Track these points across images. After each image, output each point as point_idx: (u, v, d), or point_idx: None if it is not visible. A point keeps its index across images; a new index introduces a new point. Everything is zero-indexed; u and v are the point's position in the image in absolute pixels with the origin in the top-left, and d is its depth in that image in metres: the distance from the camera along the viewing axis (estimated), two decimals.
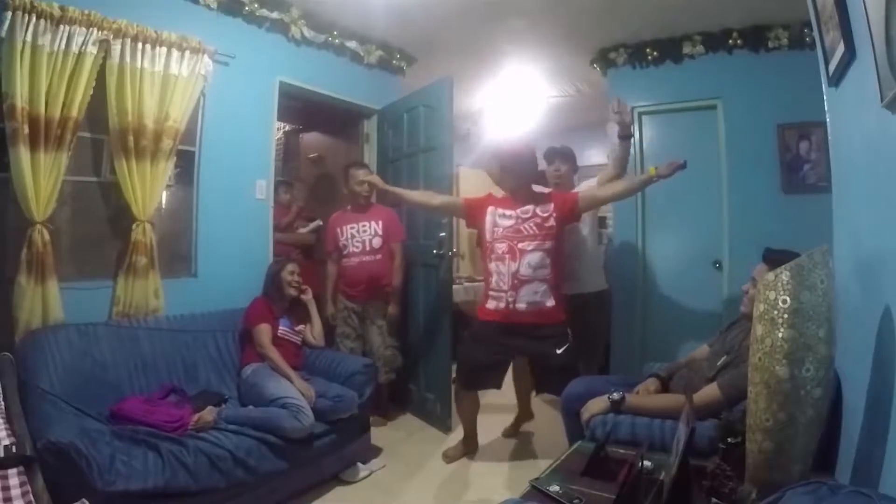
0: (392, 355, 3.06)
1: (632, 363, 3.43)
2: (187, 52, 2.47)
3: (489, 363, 2.46)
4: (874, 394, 1.23)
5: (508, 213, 2.46)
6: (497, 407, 3.44)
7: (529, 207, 2.44)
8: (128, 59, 2.28)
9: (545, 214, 2.41)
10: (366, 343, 3.05)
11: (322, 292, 3.11)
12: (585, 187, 2.72)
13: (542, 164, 2.84)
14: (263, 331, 2.44)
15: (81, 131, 2.21)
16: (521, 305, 2.35)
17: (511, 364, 2.64)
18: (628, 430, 1.76)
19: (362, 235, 3.04)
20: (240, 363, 2.50)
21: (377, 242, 3.04)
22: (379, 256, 3.03)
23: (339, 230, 3.09)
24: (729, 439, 1.38)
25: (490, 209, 2.50)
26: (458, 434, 2.84)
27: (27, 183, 1.99)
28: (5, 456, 1.25)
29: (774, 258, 1.55)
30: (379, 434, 2.84)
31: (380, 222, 3.06)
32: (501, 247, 2.42)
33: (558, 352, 2.34)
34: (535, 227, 2.40)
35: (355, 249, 3.04)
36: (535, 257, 2.35)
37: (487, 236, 2.48)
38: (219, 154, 2.72)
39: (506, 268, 2.38)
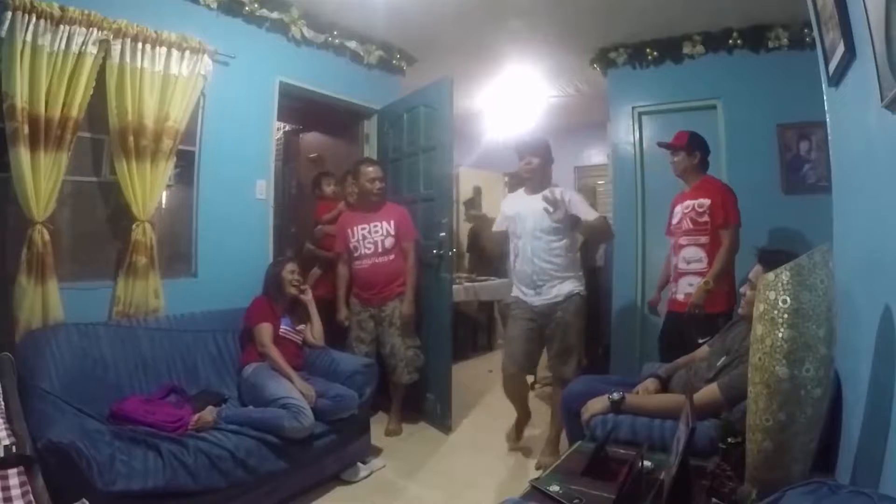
0: (414, 355, 2.97)
1: (632, 363, 3.43)
2: (187, 52, 2.47)
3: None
4: (874, 394, 1.23)
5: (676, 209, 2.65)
6: (494, 407, 3.44)
7: (690, 202, 2.56)
8: (128, 59, 2.28)
9: (701, 209, 2.51)
10: (383, 345, 2.95)
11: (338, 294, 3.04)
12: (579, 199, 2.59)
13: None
14: (265, 329, 2.44)
15: (81, 131, 2.21)
16: (680, 296, 2.57)
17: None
18: (628, 430, 1.76)
19: (374, 236, 2.96)
20: (240, 363, 2.49)
21: (390, 243, 2.95)
22: (392, 257, 2.95)
23: (349, 231, 3.00)
24: (729, 439, 1.38)
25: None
26: (459, 434, 2.88)
27: (27, 183, 1.99)
28: (5, 456, 1.25)
29: (769, 258, 1.55)
30: (379, 434, 2.84)
31: (392, 221, 2.97)
32: (671, 241, 2.70)
33: (700, 341, 2.28)
34: (690, 222, 2.55)
35: (367, 251, 2.95)
36: (689, 251, 2.55)
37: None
38: (219, 154, 2.72)
39: (674, 261, 2.65)
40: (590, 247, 3.82)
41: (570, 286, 2.52)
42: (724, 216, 2.46)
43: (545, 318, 2.53)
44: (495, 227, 2.79)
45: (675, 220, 2.66)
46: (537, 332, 2.56)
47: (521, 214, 2.59)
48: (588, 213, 2.49)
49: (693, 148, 2.60)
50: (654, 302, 2.90)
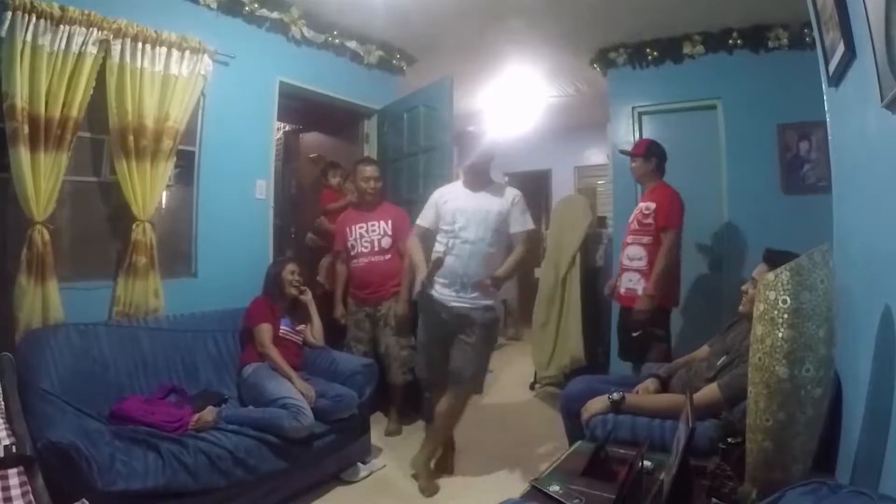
0: (408, 355, 2.96)
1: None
2: (187, 52, 2.47)
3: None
4: (874, 394, 1.23)
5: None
6: (494, 408, 3.45)
7: (641, 204, 2.73)
8: (128, 59, 2.28)
9: (647, 212, 2.67)
10: (379, 345, 2.96)
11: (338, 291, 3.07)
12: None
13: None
14: (265, 330, 2.44)
15: (81, 131, 2.21)
16: (622, 290, 2.75)
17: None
18: (628, 430, 1.76)
19: (371, 235, 2.96)
20: (240, 363, 2.49)
21: (386, 242, 2.96)
22: (388, 256, 2.95)
23: (347, 230, 3.02)
24: (729, 439, 1.38)
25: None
26: (458, 433, 2.81)
27: (27, 183, 1.99)
28: (5, 456, 1.25)
29: (774, 258, 1.55)
30: (379, 434, 2.84)
31: (389, 221, 2.98)
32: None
33: (633, 335, 2.60)
34: (637, 223, 2.72)
35: (364, 249, 2.96)
36: (632, 250, 2.71)
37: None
38: (219, 154, 2.72)
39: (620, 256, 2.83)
40: (589, 247, 3.82)
41: (490, 298, 2.32)
42: (666, 218, 2.60)
43: (459, 320, 2.29)
44: (422, 221, 2.44)
45: (629, 220, 2.85)
46: (451, 336, 2.33)
47: (462, 209, 2.33)
48: (520, 224, 2.32)
49: (650, 154, 2.77)
50: (611, 288, 2.97)
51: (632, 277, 2.69)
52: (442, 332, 2.35)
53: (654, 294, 2.54)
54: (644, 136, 3.60)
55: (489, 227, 2.30)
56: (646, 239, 2.66)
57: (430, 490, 2.30)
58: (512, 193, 2.37)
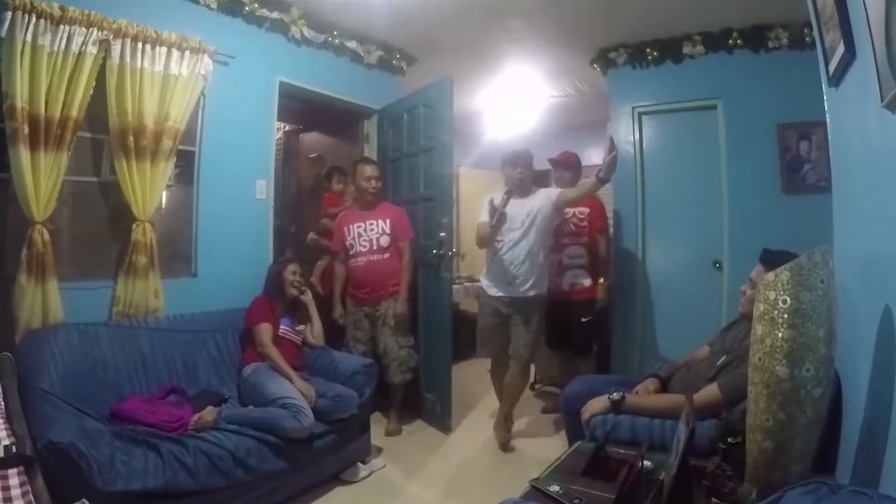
0: (407, 355, 2.98)
1: (632, 363, 3.43)
2: (187, 52, 2.47)
3: None
4: (874, 394, 1.23)
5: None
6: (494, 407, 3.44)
7: (571, 210, 3.07)
8: (128, 59, 2.28)
9: (581, 216, 3.15)
10: (378, 345, 2.97)
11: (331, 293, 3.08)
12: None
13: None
14: (265, 329, 2.44)
15: (81, 131, 2.21)
16: (565, 287, 3.11)
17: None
18: (628, 430, 1.76)
19: (369, 234, 2.97)
20: (240, 363, 2.49)
21: (385, 241, 2.96)
22: (387, 255, 2.96)
23: (346, 229, 3.03)
24: (729, 439, 1.38)
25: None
26: (459, 433, 2.88)
27: (27, 183, 1.99)
28: (5, 456, 1.25)
29: (771, 259, 1.55)
30: (379, 434, 2.84)
31: (387, 220, 2.99)
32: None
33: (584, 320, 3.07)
34: (573, 227, 3.15)
35: (362, 249, 2.97)
36: (572, 250, 3.12)
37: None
38: (219, 154, 2.72)
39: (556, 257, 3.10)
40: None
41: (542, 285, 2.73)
42: (602, 223, 3.14)
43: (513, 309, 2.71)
44: (482, 219, 2.73)
45: (564, 225, 3.09)
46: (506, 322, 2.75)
47: (510, 216, 2.64)
48: (564, 192, 2.70)
49: (578, 167, 3.19)
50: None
51: (576, 273, 3.08)
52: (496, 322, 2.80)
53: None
54: (644, 136, 3.61)
55: (540, 229, 2.68)
56: (584, 239, 3.08)
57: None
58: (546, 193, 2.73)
